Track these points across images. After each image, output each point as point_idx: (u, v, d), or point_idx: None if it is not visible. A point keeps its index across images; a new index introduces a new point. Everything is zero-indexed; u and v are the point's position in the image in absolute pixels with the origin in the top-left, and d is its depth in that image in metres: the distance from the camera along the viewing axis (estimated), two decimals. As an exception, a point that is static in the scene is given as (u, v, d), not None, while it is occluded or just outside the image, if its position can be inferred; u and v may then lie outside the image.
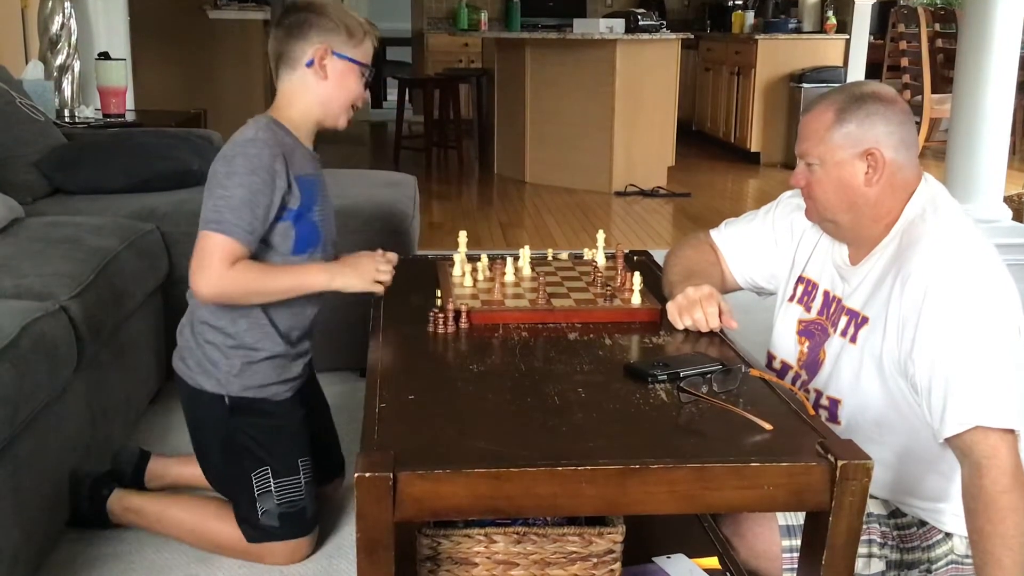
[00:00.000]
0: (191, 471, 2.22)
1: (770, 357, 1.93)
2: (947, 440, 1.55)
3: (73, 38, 4.49)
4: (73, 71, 4.49)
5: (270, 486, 1.99)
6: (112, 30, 5.49)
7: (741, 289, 2.05)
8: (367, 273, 1.89)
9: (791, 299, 1.89)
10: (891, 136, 1.64)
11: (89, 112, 4.54)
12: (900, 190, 1.67)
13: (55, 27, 4.41)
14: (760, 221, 2.02)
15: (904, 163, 1.66)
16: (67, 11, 4.44)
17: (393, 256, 1.93)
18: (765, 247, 1.98)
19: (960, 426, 1.51)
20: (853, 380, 1.70)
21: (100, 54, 4.82)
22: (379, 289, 1.89)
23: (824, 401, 1.76)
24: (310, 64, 1.93)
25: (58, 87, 4.39)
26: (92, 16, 5.27)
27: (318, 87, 1.95)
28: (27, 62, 4.52)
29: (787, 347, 1.88)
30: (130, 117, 4.58)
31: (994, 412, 1.50)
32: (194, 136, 3.66)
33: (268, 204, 1.86)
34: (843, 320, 1.73)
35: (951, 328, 1.53)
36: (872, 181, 1.65)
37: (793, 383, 1.84)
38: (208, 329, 1.97)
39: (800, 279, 1.89)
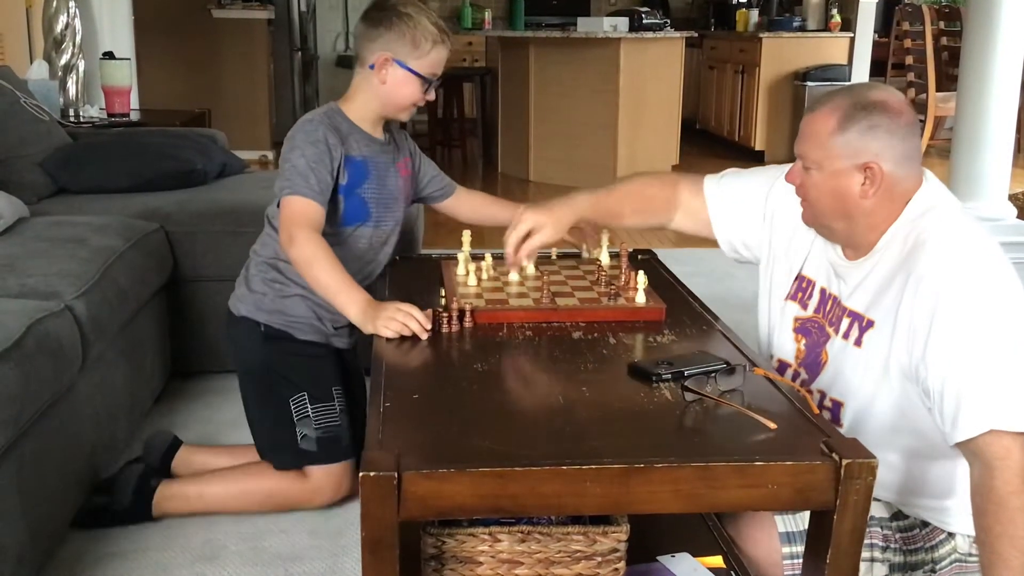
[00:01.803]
0: (217, 460, 2.30)
1: (768, 356, 1.92)
2: (958, 444, 1.54)
3: (78, 38, 4.50)
4: (78, 71, 4.50)
5: (307, 411, 2.09)
6: (117, 29, 5.50)
7: (704, 240, 2.05)
8: (390, 321, 1.76)
9: (788, 297, 1.88)
10: (892, 150, 1.60)
11: (94, 112, 4.55)
12: (898, 200, 1.64)
13: (60, 27, 4.41)
14: (759, 185, 1.97)
15: (903, 176, 1.62)
16: (72, 11, 4.44)
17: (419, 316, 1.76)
18: (752, 215, 1.94)
19: (974, 430, 1.50)
20: (857, 383, 1.68)
21: (105, 54, 4.83)
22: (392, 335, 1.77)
23: (827, 403, 1.75)
24: (372, 67, 2.04)
25: (63, 87, 4.40)
26: (97, 15, 5.28)
27: (378, 88, 2.06)
28: (32, 62, 4.53)
29: (784, 345, 1.87)
30: (134, 117, 4.59)
31: (1008, 415, 1.49)
32: (198, 135, 3.67)
33: (329, 170, 2.00)
34: (845, 322, 1.71)
35: (964, 332, 1.51)
36: (868, 194, 1.61)
37: (793, 381, 1.83)
38: (257, 260, 2.15)
39: (799, 277, 1.87)
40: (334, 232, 2.04)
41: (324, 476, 2.13)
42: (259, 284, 2.13)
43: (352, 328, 2.12)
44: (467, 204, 2.40)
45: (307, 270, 1.94)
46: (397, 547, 1.24)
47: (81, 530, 2.12)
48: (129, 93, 4.64)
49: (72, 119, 4.30)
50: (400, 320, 1.70)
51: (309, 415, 2.10)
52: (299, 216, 1.94)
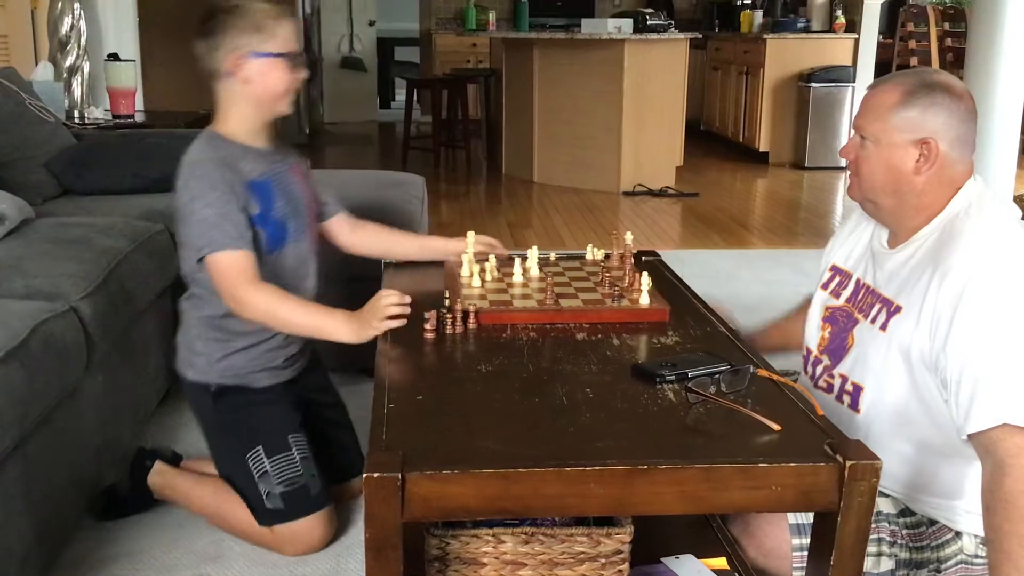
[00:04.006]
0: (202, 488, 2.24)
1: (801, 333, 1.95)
2: (970, 436, 1.55)
3: (83, 39, 4.51)
4: (83, 72, 4.51)
5: (265, 466, 2.01)
6: (121, 31, 5.51)
7: None
8: (382, 321, 1.79)
9: (821, 286, 1.91)
10: (950, 131, 1.64)
11: (99, 113, 4.56)
12: (947, 185, 1.67)
13: (65, 28, 4.42)
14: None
15: (957, 159, 1.66)
16: (77, 12, 4.45)
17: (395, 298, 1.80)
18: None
19: (987, 422, 1.51)
20: (878, 368, 1.70)
21: (109, 55, 4.84)
22: (395, 324, 1.79)
23: (848, 387, 1.77)
24: (230, 74, 1.93)
25: (68, 88, 4.41)
26: (102, 17, 5.29)
27: (245, 92, 1.95)
28: (37, 63, 4.54)
29: (810, 333, 1.90)
30: (139, 118, 4.60)
31: (1022, 411, 1.49)
32: (203, 137, 3.66)
33: (240, 207, 1.91)
34: (875, 307, 1.73)
35: (986, 325, 1.53)
36: (921, 170, 1.65)
37: (814, 368, 1.85)
38: (193, 320, 2.04)
39: (833, 267, 1.90)
40: (261, 264, 1.95)
41: (292, 533, 2.03)
42: (202, 345, 2.04)
43: (298, 354, 2.13)
44: (350, 230, 2.28)
45: (273, 323, 1.93)
46: (401, 548, 1.24)
47: (88, 529, 2.12)
48: (134, 94, 4.64)
49: (77, 120, 4.31)
50: (388, 313, 1.74)
51: (268, 471, 2.01)
52: (234, 274, 1.87)
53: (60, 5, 4.40)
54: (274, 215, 1.99)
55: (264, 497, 2.01)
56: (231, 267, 1.87)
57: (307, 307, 1.92)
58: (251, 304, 1.89)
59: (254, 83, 1.93)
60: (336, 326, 1.85)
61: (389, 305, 1.75)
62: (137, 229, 2.71)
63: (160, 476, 2.19)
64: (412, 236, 2.29)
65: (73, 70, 4.45)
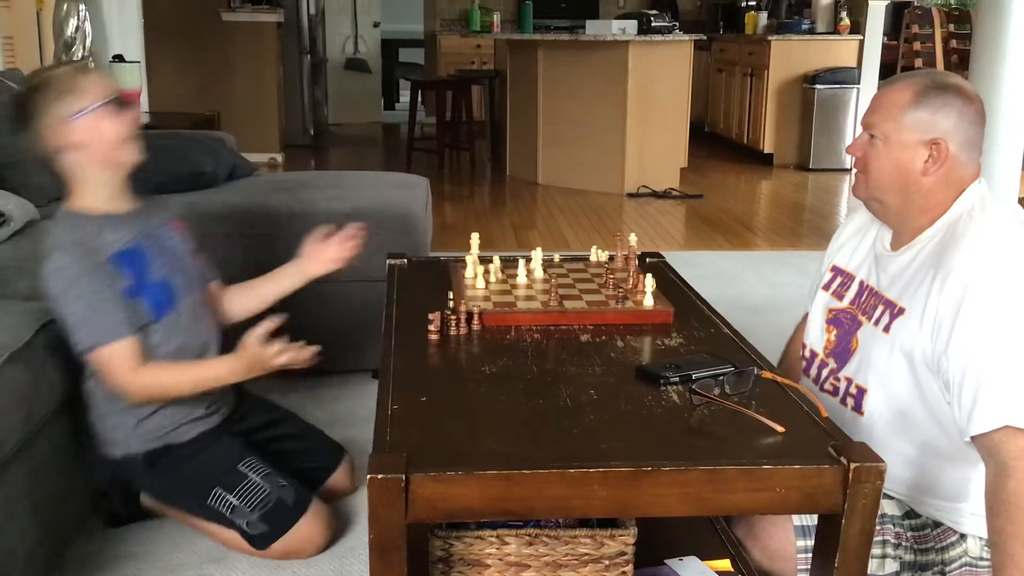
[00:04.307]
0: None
1: (803, 345, 1.94)
2: (973, 439, 1.55)
3: (88, 40, 4.52)
4: (88, 73, 4.51)
5: (231, 502, 2.01)
6: (126, 32, 5.52)
7: None
8: (265, 364, 1.87)
9: (824, 287, 1.90)
10: (960, 133, 1.64)
11: (104, 114, 4.56)
12: (953, 187, 1.67)
13: (70, 29, 4.43)
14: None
15: (965, 162, 1.66)
16: (82, 13, 4.46)
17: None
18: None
19: (989, 424, 1.51)
20: (882, 370, 1.70)
21: (114, 56, 4.86)
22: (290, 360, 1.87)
23: (852, 390, 1.76)
24: (62, 147, 1.87)
25: (73, 89, 4.41)
26: (106, 18, 5.30)
27: (84, 158, 1.88)
28: (42, 64, 4.55)
29: (815, 335, 1.89)
30: (144, 119, 4.61)
31: None
32: (208, 138, 3.68)
33: (110, 287, 1.86)
34: (878, 309, 1.73)
35: (988, 327, 1.53)
36: (930, 171, 1.65)
37: (820, 371, 1.85)
38: (98, 398, 2.00)
39: (834, 268, 1.90)
40: (152, 331, 1.93)
41: (289, 545, 2.03)
42: (114, 420, 2.00)
43: (219, 400, 2.12)
44: (225, 300, 2.22)
45: (165, 397, 1.95)
46: (405, 549, 1.24)
47: (92, 531, 2.12)
48: (139, 96, 4.66)
49: (82, 122, 4.32)
50: (276, 363, 1.83)
51: (236, 504, 2.00)
52: (112, 368, 1.85)
53: (65, 6, 4.41)
54: (151, 279, 1.95)
55: (245, 527, 2.01)
56: (107, 362, 1.86)
57: (192, 369, 1.93)
58: (135, 391, 1.90)
59: (88, 143, 1.86)
60: (228, 374, 1.91)
61: (274, 355, 1.83)
62: (142, 230, 2.71)
63: (151, 500, 2.17)
64: (268, 276, 2.26)
65: (78, 71, 4.46)
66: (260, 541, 2.02)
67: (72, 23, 4.43)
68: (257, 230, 2.91)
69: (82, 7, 4.46)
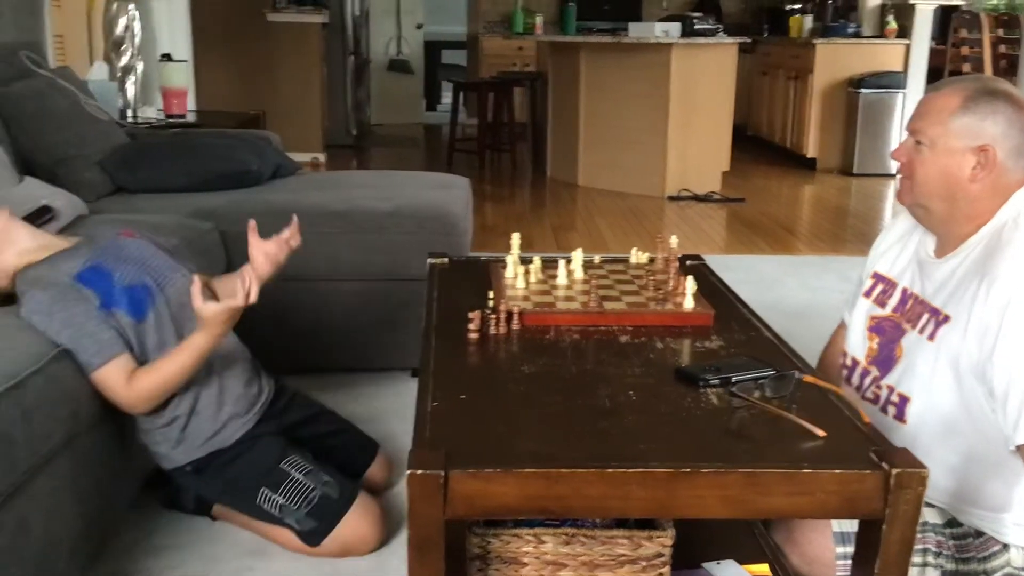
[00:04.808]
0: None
1: (843, 353, 1.92)
2: (1019, 448, 1.53)
3: (137, 40, 4.60)
4: (136, 72, 4.59)
5: (278, 500, 2.04)
6: (175, 32, 5.61)
7: None
8: (225, 320, 1.90)
9: (865, 294, 1.88)
10: (1009, 140, 1.62)
11: (151, 112, 4.64)
12: (1000, 194, 1.65)
13: (119, 29, 4.51)
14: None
15: (1012, 169, 1.64)
16: (131, 13, 4.54)
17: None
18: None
19: None
20: (926, 378, 1.68)
21: (163, 56, 4.93)
22: (243, 301, 1.89)
23: (894, 398, 1.75)
24: None
25: (122, 87, 4.49)
26: (155, 18, 5.39)
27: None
28: (92, 63, 4.63)
29: (856, 343, 1.87)
30: (191, 118, 4.68)
31: None
32: (253, 137, 3.72)
33: (88, 311, 1.90)
34: (923, 317, 1.71)
35: None
36: (977, 178, 1.63)
37: (862, 380, 1.83)
38: (139, 419, 2.04)
39: (875, 275, 1.88)
40: (147, 332, 1.98)
41: (341, 539, 2.05)
42: (156, 434, 2.05)
43: (254, 396, 2.14)
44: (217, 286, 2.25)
45: (166, 390, 1.95)
46: (443, 546, 1.25)
47: (134, 521, 2.16)
48: (186, 94, 4.72)
49: (130, 119, 4.39)
50: (211, 308, 1.85)
51: (283, 503, 2.04)
52: (111, 385, 1.89)
53: (115, 6, 4.49)
54: (119, 285, 1.97)
55: (296, 525, 2.04)
56: (103, 383, 1.89)
57: (174, 355, 1.94)
58: (136, 401, 1.93)
59: None
60: (204, 340, 1.91)
61: (225, 305, 1.88)
62: (187, 227, 2.75)
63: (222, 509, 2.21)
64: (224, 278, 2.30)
65: (127, 70, 4.54)
66: (312, 538, 2.04)
67: (122, 22, 4.51)
68: (301, 229, 2.94)
69: (132, 7, 4.54)
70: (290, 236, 2.14)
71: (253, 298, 1.89)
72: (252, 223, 2.11)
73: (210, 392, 2.05)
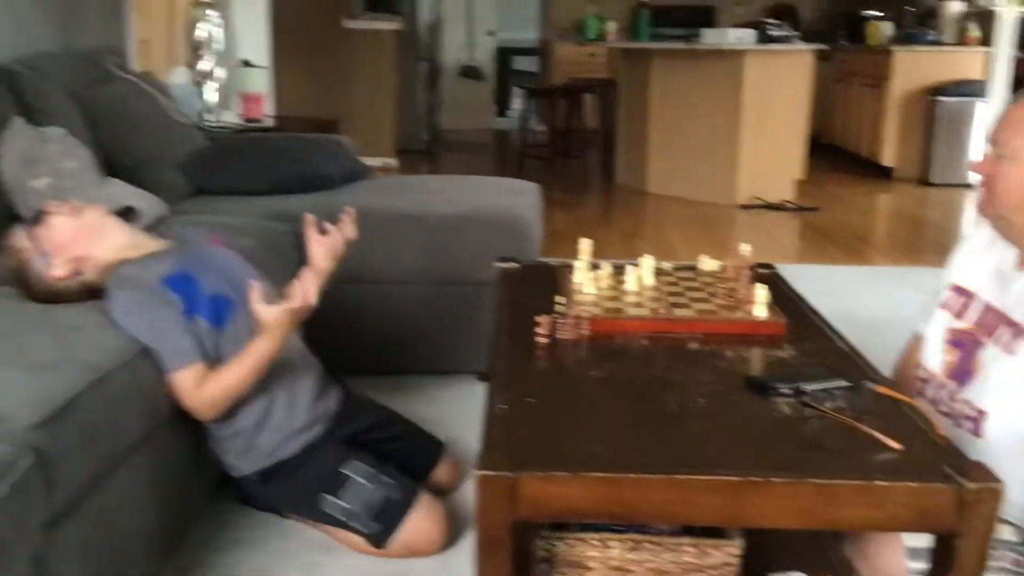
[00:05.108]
0: None
1: (918, 366, 1.88)
2: None
3: (217, 45, 4.70)
4: (216, 77, 4.70)
5: (341, 505, 2.07)
6: (254, 38, 5.73)
7: None
8: (285, 323, 1.92)
9: (943, 306, 1.85)
10: None
11: (230, 116, 4.75)
12: None
13: (201, 35, 4.62)
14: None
15: None
16: (212, 20, 4.65)
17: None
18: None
19: None
20: (1005, 392, 1.64)
21: (242, 61, 5.04)
22: (300, 302, 1.91)
23: (971, 412, 1.71)
24: (70, 273, 2.02)
25: (202, 92, 4.60)
26: (236, 25, 5.51)
27: (89, 262, 2.03)
28: (174, 68, 4.76)
29: (933, 355, 1.83)
30: (268, 122, 4.77)
31: None
32: (327, 141, 3.78)
33: (170, 316, 1.93)
34: (1002, 330, 1.67)
35: None
36: None
37: (937, 393, 1.79)
38: (209, 427, 2.07)
39: (953, 287, 1.84)
40: (225, 341, 1.99)
41: (405, 540, 2.07)
42: (225, 443, 2.09)
43: (320, 407, 2.16)
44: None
45: (232, 395, 1.96)
46: (510, 547, 1.26)
47: (208, 516, 2.21)
48: (264, 99, 4.82)
49: (210, 123, 4.50)
50: (273, 312, 1.87)
51: (346, 507, 2.06)
52: (183, 391, 1.92)
53: (197, 12, 4.60)
54: (204, 294, 2.00)
55: (361, 528, 2.07)
56: (176, 388, 1.92)
57: (239, 361, 1.95)
58: (202, 405, 1.95)
59: (73, 247, 2.01)
60: (267, 344, 1.92)
61: (287, 307, 1.89)
62: (263, 229, 2.81)
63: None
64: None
65: (207, 75, 4.65)
66: (378, 540, 2.07)
67: (203, 28, 4.62)
68: (371, 231, 2.97)
69: (213, 13, 4.65)
70: (346, 228, 2.15)
71: (311, 299, 1.91)
72: (308, 217, 2.13)
73: (278, 406, 2.08)
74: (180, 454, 2.04)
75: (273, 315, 1.88)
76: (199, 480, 2.18)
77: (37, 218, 2.06)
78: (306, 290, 1.90)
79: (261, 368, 1.96)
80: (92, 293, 2.01)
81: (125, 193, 2.77)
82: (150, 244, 2.12)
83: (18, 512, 1.38)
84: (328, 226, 2.14)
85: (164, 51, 4.94)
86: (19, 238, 2.05)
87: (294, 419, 2.11)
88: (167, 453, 1.98)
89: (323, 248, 2.12)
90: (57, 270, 2.01)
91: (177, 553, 2.07)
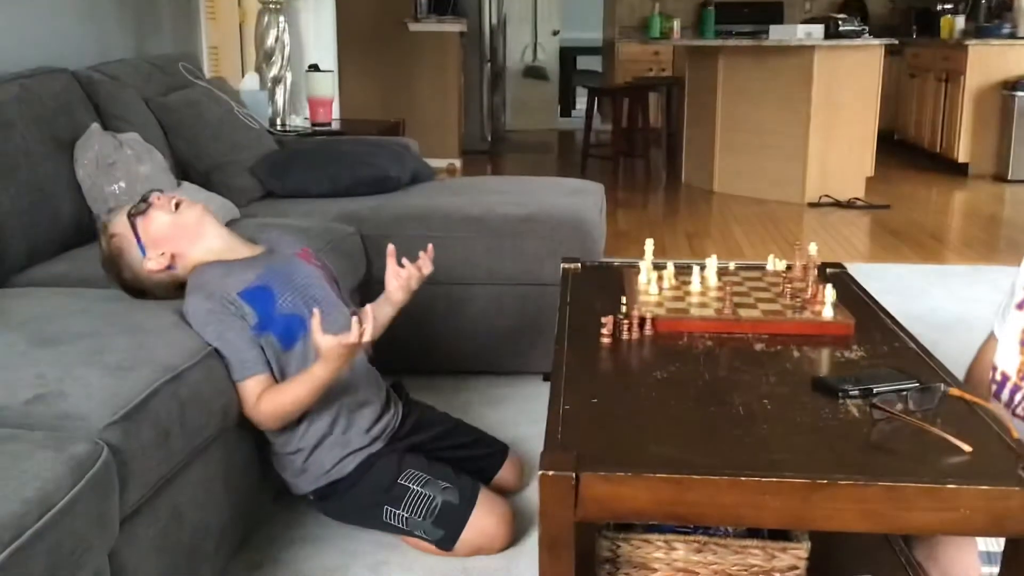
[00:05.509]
0: None
1: (992, 368, 1.84)
2: None
3: (286, 51, 4.78)
4: (285, 82, 4.78)
5: (402, 515, 2.07)
6: (321, 43, 5.81)
7: None
8: (341, 355, 1.91)
9: (1018, 306, 1.80)
10: None
11: (299, 121, 4.83)
12: None
13: (270, 41, 4.71)
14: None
15: None
16: (281, 26, 4.73)
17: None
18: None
19: None
20: None
21: (310, 66, 5.12)
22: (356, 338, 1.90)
23: None
24: (162, 267, 2.06)
25: (272, 97, 4.68)
26: (304, 30, 5.60)
27: (181, 258, 2.06)
28: (244, 74, 4.85)
29: (1007, 357, 1.78)
30: (335, 126, 4.84)
31: None
32: (393, 144, 3.83)
33: (238, 330, 1.95)
34: None
35: None
36: None
37: (1012, 395, 1.75)
38: (271, 442, 2.09)
39: None
40: (291, 362, 2.00)
41: (468, 541, 2.08)
42: (283, 460, 2.10)
43: (379, 423, 2.15)
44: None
45: (290, 414, 1.98)
46: (573, 547, 1.26)
47: (277, 513, 2.25)
48: (331, 103, 4.89)
49: (279, 128, 4.58)
50: (337, 349, 1.86)
51: (407, 517, 2.07)
52: (244, 399, 1.94)
53: (266, 19, 4.68)
54: (279, 312, 2.01)
55: (425, 535, 2.08)
56: (244, 395, 1.95)
57: (299, 380, 1.96)
58: (259, 418, 1.97)
59: (169, 243, 2.05)
60: (325, 373, 1.92)
61: (343, 341, 1.86)
62: (331, 231, 2.85)
63: None
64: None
65: (277, 80, 4.73)
66: (441, 543, 2.08)
67: (272, 35, 4.70)
68: (436, 232, 3.01)
69: (282, 19, 4.73)
70: (424, 263, 2.19)
71: (367, 337, 1.90)
72: (391, 248, 2.17)
73: (337, 427, 2.09)
74: (250, 453, 2.09)
75: (328, 345, 1.89)
76: (267, 479, 2.22)
77: (140, 206, 2.09)
78: (364, 328, 1.90)
79: (317, 392, 1.97)
80: (180, 288, 2.05)
81: (198, 196, 2.83)
82: (242, 251, 2.14)
83: (95, 509, 1.42)
84: (406, 261, 2.18)
85: (235, 57, 5.04)
86: (120, 223, 2.08)
87: (351, 441, 2.11)
88: (238, 452, 2.02)
89: (399, 280, 2.16)
90: (151, 263, 2.05)
91: (245, 550, 2.12)
